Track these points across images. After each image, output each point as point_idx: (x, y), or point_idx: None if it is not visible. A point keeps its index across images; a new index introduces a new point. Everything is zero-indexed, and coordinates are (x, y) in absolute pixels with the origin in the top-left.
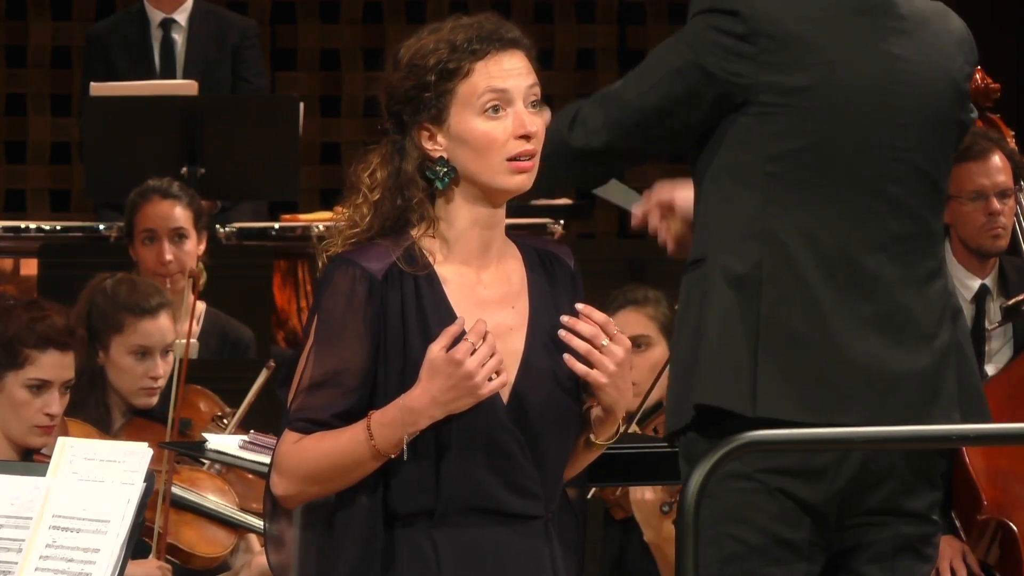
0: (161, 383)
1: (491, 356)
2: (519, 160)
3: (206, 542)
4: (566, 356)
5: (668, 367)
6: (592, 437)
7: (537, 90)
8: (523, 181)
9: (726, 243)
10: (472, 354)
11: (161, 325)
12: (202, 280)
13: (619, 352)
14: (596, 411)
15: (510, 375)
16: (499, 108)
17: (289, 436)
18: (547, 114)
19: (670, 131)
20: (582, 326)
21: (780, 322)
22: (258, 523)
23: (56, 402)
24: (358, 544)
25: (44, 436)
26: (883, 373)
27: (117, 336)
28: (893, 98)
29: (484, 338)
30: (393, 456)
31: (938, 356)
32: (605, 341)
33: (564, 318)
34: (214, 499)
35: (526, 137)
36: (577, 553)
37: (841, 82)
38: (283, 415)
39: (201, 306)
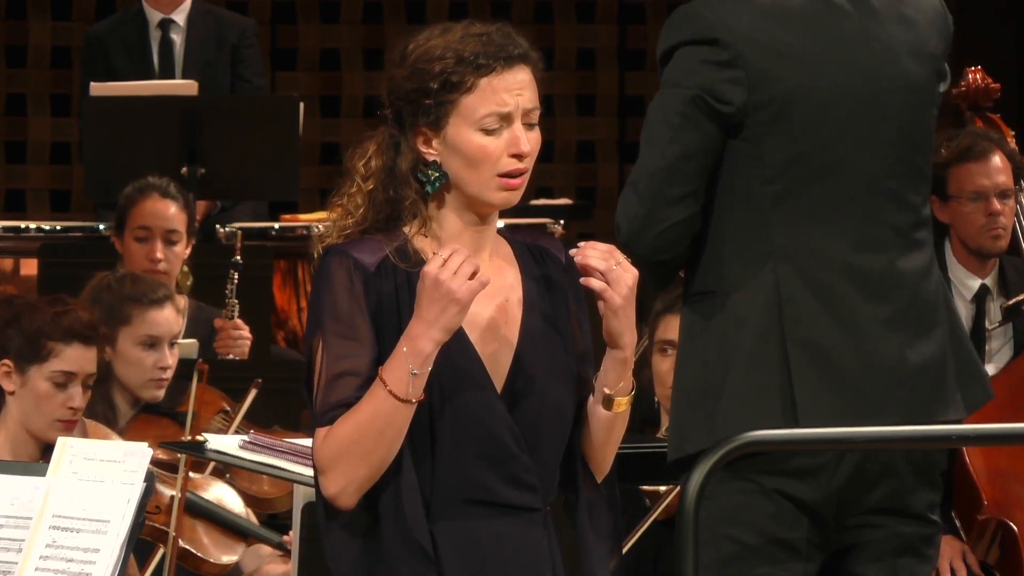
0: (169, 374)
1: (464, 264)
2: (510, 177)
3: (218, 548)
4: (582, 279)
5: (673, 394)
6: (607, 390)
7: (537, 110)
8: (509, 198)
9: (736, 272)
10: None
11: (168, 315)
12: (189, 282)
13: (629, 278)
14: (606, 359)
15: (503, 368)
16: (498, 124)
17: (320, 433)
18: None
19: (701, 171)
20: (593, 250)
21: (806, 339)
22: (267, 532)
23: (79, 396)
24: (403, 542)
25: (66, 431)
26: (908, 370)
27: (125, 328)
28: (878, 94)
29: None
30: (413, 400)
31: (943, 342)
32: (615, 264)
33: (573, 251)
34: (226, 506)
35: (519, 156)
36: (613, 542)
37: (823, 87)
38: (312, 416)
39: (183, 300)
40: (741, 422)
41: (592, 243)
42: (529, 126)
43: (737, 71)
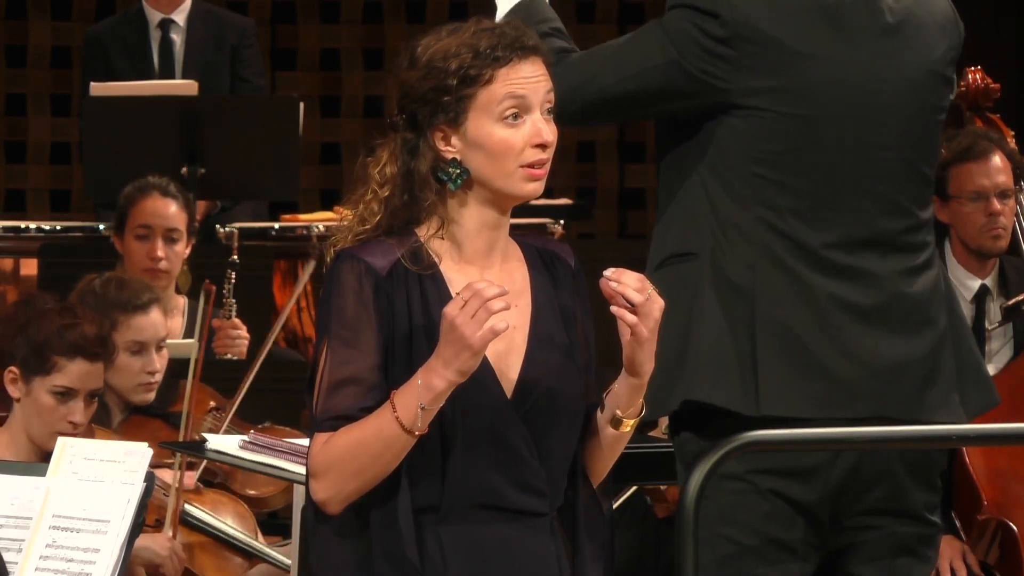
0: (158, 377)
1: (482, 308)
2: (533, 168)
3: (219, 568)
4: (613, 308)
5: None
6: (619, 412)
7: (552, 96)
8: (536, 188)
9: (716, 243)
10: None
11: (154, 320)
12: (188, 282)
13: (657, 310)
14: (620, 382)
15: (513, 372)
16: (518, 115)
17: (319, 438)
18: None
19: (642, 114)
20: (628, 278)
21: (777, 321)
22: (271, 551)
23: (80, 411)
24: (390, 546)
25: None
26: (886, 363)
27: (112, 334)
28: (876, 97)
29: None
30: (419, 433)
31: (936, 341)
32: (646, 296)
33: (608, 271)
34: (232, 524)
35: (542, 146)
36: (607, 552)
37: (823, 84)
38: (311, 419)
39: (182, 300)
40: (698, 391)
41: (624, 271)
42: (547, 116)
43: (728, 50)
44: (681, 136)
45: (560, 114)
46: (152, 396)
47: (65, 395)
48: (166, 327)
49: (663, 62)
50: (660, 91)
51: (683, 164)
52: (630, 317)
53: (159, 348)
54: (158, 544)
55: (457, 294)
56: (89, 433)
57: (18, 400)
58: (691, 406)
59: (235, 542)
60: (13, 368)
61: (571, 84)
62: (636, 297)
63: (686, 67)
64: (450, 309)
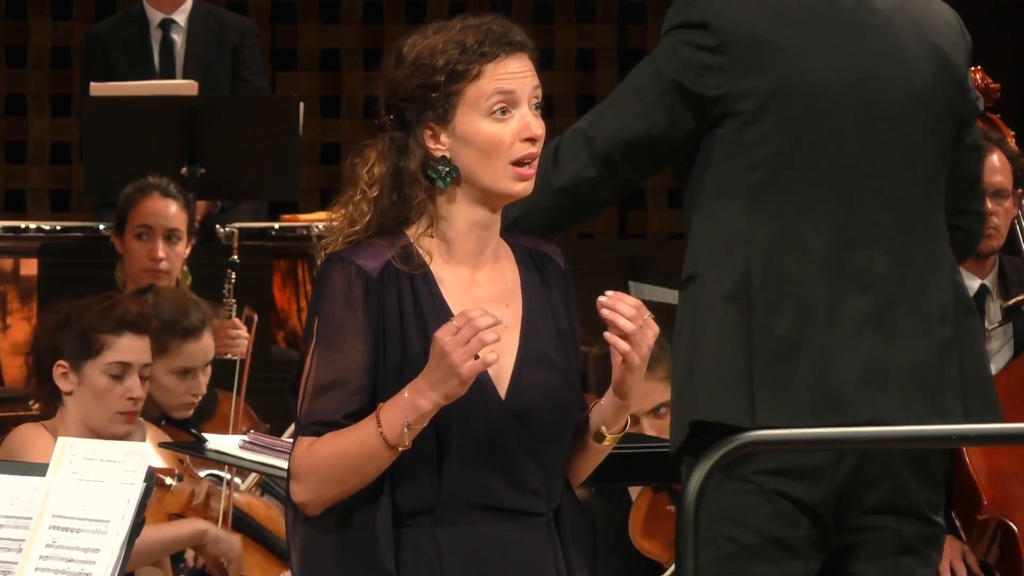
0: (200, 398)
1: (475, 338)
2: (522, 165)
3: (263, 570)
4: (607, 335)
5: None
6: (603, 429)
7: (540, 92)
8: (525, 188)
9: (714, 257)
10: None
11: (205, 345)
12: (188, 282)
13: (651, 337)
14: (608, 400)
15: (506, 372)
16: (506, 110)
17: (303, 442)
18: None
19: (658, 154)
20: (623, 306)
21: (773, 331)
22: None
23: (138, 386)
24: (372, 546)
25: (127, 424)
26: (881, 370)
27: (161, 357)
28: (871, 93)
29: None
30: (401, 449)
31: (938, 349)
32: (640, 323)
33: (604, 297)
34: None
35: (531, 140)
36: (589, 554)
37: (815, 82)
38: (295, 422)
39: None
40: (704, 411)
41: (621, 296)
42: (535, 111)
43: (721, 58)
44: (688, 165)
45: (577, 183)
46: (191, 412)
47: (120, 373)
48: (214, 348)
49: (662, 89)
50: (667, 120)
51: (691, 190)
52: (622, 345)
53: (205, 368)
54: (233, 543)
55: (450, 321)
56: (141, 429)
57: (70, 393)
58: (697, 427)
59: (277, 543)
60: (62, 362)
61: (578, 148)
62: (628, 326)
63: (683, 85)
64: (441, 334)
